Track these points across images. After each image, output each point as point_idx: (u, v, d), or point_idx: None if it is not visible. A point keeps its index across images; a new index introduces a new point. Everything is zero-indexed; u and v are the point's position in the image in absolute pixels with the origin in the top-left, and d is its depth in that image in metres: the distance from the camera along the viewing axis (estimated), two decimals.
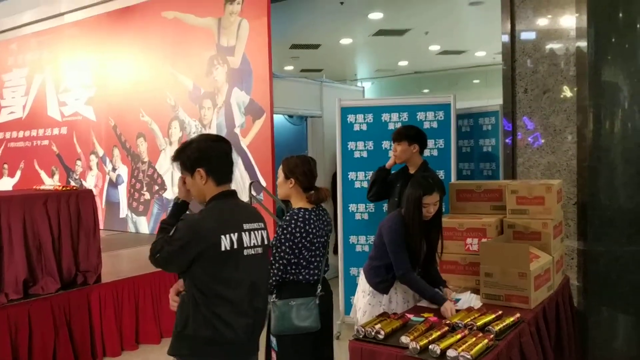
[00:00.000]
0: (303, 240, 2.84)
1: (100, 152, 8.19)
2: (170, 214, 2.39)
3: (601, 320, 3.96)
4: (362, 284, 3.38)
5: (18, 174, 9.56)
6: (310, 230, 2.86)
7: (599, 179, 3.91)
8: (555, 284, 3.30)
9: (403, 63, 13.08)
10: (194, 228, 2.20)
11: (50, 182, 8.90)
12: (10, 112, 9.70)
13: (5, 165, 9.76)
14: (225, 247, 2.21)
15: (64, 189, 4.57)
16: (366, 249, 5.02)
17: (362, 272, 3.41)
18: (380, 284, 3.23)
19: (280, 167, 3.04)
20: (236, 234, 2.25)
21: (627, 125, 3.97)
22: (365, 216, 5.07)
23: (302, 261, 2.87)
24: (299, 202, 2.96)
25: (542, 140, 4.19)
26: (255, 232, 2.34)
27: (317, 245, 2.91)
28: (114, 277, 4.83)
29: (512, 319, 2.67)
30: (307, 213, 2.89)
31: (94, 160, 8.31)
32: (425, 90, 14.77)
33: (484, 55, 11.68)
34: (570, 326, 3.48)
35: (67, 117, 8.69)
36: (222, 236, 2.21)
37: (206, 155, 2.31)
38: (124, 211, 7.90)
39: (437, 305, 2.95)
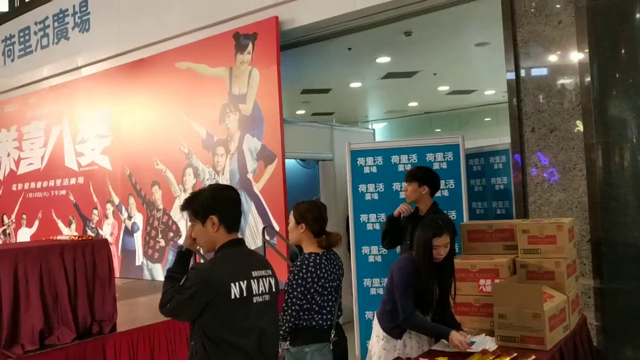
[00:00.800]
0: (315, 285, 2.86)
1: (116, 201, 8.31)
2: (175, 261, 2.43)
3: (623, 359, 3.88)
4: (376, 328, 3.36)
5: (36, 224, 9.70)
6: (321, 274, 2.88)
7: (611, 215, 3.89)
8: (571, 324, 3.26)
9: (413, 104, 13.23)
10: (204, 277, 2.23)
11: (68, 232, 9.01)
12: (29, 163, 9.92)
13: (24, 216, 9.92)
14: (235, 295, 2.23)
15: (80, 239, 4.64)
16: (380, 291, 5.00)
17: (375, 316, 3.40)
18: (394, 329, 3.21)
19: (292, 212, 3.08)
20: (245, 281, 2.28)
21: (636, 160, 3.97)
22: (379, 258, 5.06)
23: (314, 306, 2.88)
24: (310, 247, 2.98)
25: (558, 176, 4.20)
26: (264, 279, 2.36)
27: (329, 289, 2.92)
28: (129, 326, 4.83)
29: None
30: (318, 258, 2.91)
31: (110, 208, 8.42)
32: (438, 130, 14.85)
33: (493, 94, 11.78)
34: None
35: (84, 167, 8.86)
36: (232, 284, 2.23)
37: (219, 202, 2.36)
38: (139, 259, 7.95)
39: (444, 337, 2.94)
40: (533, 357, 2.69)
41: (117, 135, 8.30)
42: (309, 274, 2.84)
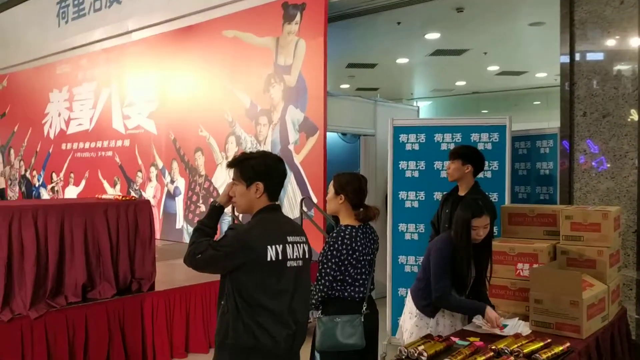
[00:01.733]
0: (349, 258, 2.86)
1: (160, 165, 8.49)
2: (207, 215, 2.46)
3: None
4: (409, 305, 3.36)
5: (83, 183, 10.02)
6: (356, 247, 2.88)
7: None
8: (610, 315, 3.18)
9: (461, 83, 12.96)
10: (243, 239, 2.28)
11: (112, 192, 9.29)
12: (79, 124, 10.21)
13: (72, 175, 10.25)
14: (271, 258, 2.28)
15: (123, 198, 4.77)
16: (415, 269, 4.97)
17: (409, 293, 3.39)
18: (428, 307, 3.20)
19: (331, 182, 3.07)
20: (281, 245, 2.33)
21: None
22: (415, 236, 5.03)
23: (347, 278, 2.89)
24: (346, 219, 2.98)
25: (608, 165, 4.06)
26: (298, 245, 2.41)
27: (363, 262, 2.93)
28: (167, 286, 4.98)
29: (561, 347, 2.59)
30: (354, 230, 2.91)
31: (153, 172, 8.62)
32: (484, 111, 14.52)
33: (544, 77, 11.42)
34: None
35: (130, 130, 9.06)
36: (269, 247, 2.29)
37: (269, 172, 2.41)
38: (180, 222, 8.14)
39: (480, 312, 2.93)
40: (567, 344, 2.64)
41: (163, 101, 8.44)
42: (344, 246, 2.85)
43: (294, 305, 2.35)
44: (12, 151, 11.83)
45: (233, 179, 2.44)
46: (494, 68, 10.90)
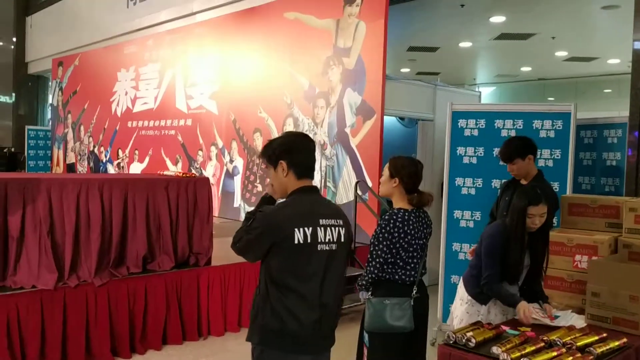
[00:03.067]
0: (401, 241, 2.86)
1: (220, 144, 8.69)
2: (257, 205, 2.48)
3: None
4: (461, 292, 3.33)
5: (147, 160, 10.40)
6: (408, 231, 2.88)
7: None
8: None
9: (526, 69, 12.54)
10: (268, 219, 2.28)
11: (174, 169, 9.59)
12: (144, 102, 10.57)
13: (136, 152, 10.65)
14: (299, 240, 2.24)
15: (184, 175, 4.93)
16: (469, 257, 4.90)
17: (461, 280, 3.36)
18: (481, 295, 3.16)
19: (387, 165, 3.06)
20: (311, 228, 2.28)
21: None
22: (471, 224, 4.95)
23: (398, 261, 2.89)
24: (399, 203, 2.97)
25: None
26: (332, 228, 2.35)
27: (415, 246, 2.92)
28: (223, 262, 5.12)
29: (617, 343, 2.51)
30: (406, 214, 2.91)
31: (213, 151, 8.84)
32: (551, 98, 14.02)
33: (617, 63, 10.88)
34: None
35: (193, 109, 9.31)
36: (296, 229, 2.24)
37: (289, 148, 2.36)
38: (237, 201, 8.33)
39: (513, 305, 2.90)
40: (624, 339, 2.56)
41: (225, 82, 8.60)
42: (395, 229, 2.85)
43: (323, 288, 2.31)
44: (82, 127, 12.39)
45: (266, 167, 2.44)
46: (562, 54, 10.48)
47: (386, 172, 3.03)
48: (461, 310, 3.27)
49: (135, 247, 4.59)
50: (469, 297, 3.22)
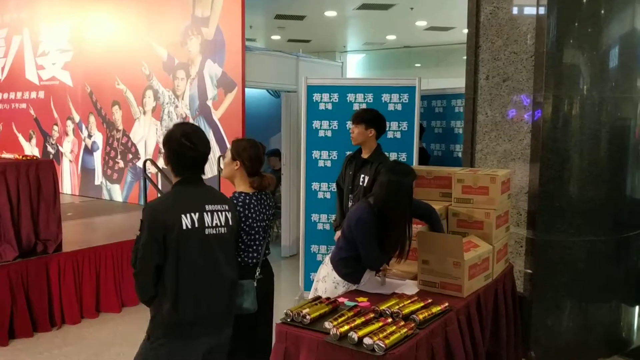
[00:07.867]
0: (242, 225, 2.88)
1: (77, 118, 8.16)
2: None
3: (546, 306, 4.06)
4: (328, 269, 3.20)
5: None
6: (249, 214, 2.90)
7: (551, 169, 3.95)
8: (494, 273, 3.37)
9: (391, 37, 12.96)
10: (152, 211, 2.32)
11: (28, 146, 8.89)
12: None
13: None
14: (187, 226, 2.32)
15: (23, 158, 4.58)
16: (327, 227, 5.08)
17: (327, 258, 3.27)
18: (352, 274, 3.12)
19: (229, 147, 3.05)
20: (197, 213, 2.37)
21: (583, 117, 3.99)
22: (328, 195, 5.12)
23: (240, 244, 2.91)
24: (241, 186, 2.98)
25: (505, 126, 4.20)
26: (219, 213, 2.46)
27: (256, 229, 2.95)
28: (80, 246, 4.89)
29: (439, 307, 2.72)
30: (247, 197, 2.93)
31: (70, 126, 8.29)
32: (417, 65, 14.70)
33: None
34: (510, 314, 3.56)
35: (45, 81, 8.62)
36: (183, 215, 2.32)
37: (169, 138, 2.46)
38: (98, 178, 7.92)
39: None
40: (446, 304, 2.79)
41: (79, 51, 8.04)
42: (236, 213, 2.85)
43: (215, 272, 2.43)
44: None
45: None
46: (422, 23, 10.95)
47: (228, 154, 3.02)
48: (331, 286, 3.15)
49: None
50: (340, 279, 3.14)
